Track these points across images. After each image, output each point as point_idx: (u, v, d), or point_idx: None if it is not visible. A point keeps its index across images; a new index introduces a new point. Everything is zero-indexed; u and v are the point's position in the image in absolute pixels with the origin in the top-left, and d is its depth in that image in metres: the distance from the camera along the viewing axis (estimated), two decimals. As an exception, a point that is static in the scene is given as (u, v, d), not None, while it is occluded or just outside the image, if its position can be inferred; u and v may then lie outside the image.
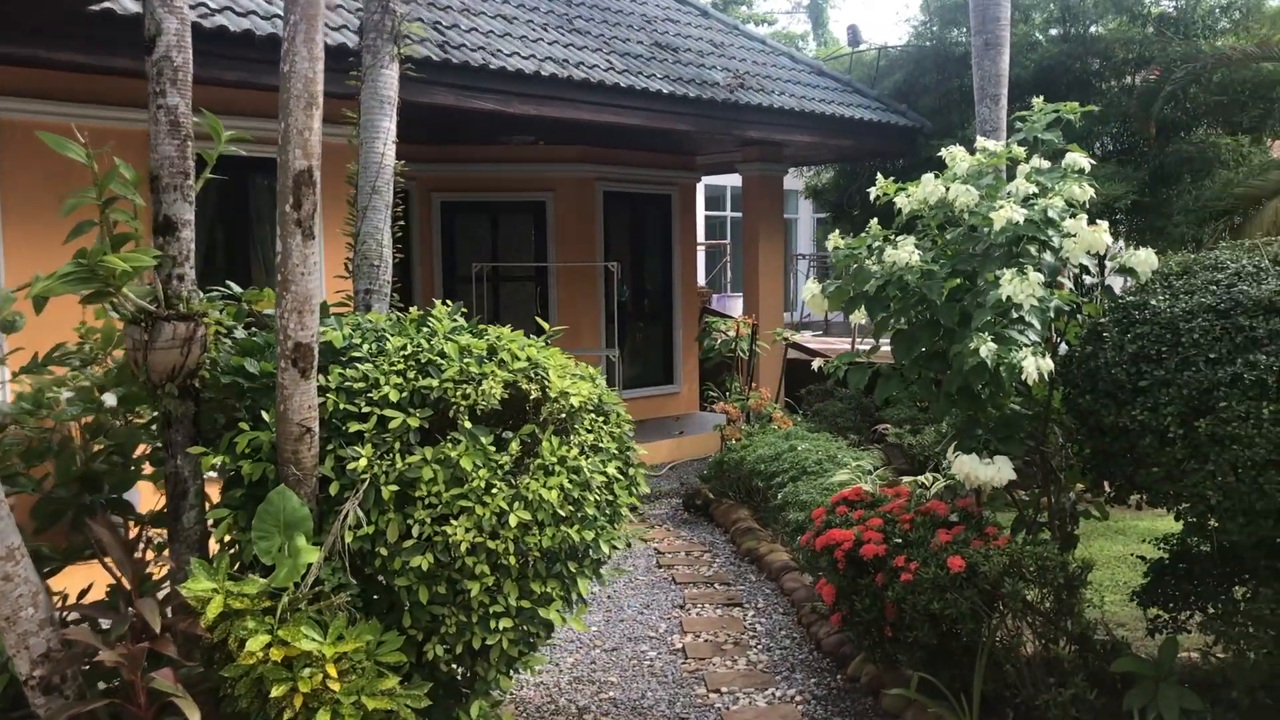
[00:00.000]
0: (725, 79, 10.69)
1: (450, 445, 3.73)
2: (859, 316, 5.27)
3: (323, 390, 3.82)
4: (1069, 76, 11.84)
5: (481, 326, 4.28)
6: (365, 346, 3.98)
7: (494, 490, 3.71)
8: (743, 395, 9.98)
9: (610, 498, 4.11)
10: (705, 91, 10.18)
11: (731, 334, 10.15)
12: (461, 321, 4.31)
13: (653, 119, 9.72)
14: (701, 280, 23.70)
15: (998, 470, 4.82)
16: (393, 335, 4.02)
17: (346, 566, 3.60)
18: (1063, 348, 5.29)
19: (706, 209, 26.07)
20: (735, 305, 20.22)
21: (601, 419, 4.19)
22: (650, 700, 5.52)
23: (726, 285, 26.33)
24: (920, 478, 6.41)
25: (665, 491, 10.40)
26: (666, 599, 7.19)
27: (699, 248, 24.53)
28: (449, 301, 4.46)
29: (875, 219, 5.28)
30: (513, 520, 3.67)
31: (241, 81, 7.02)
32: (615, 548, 4.21)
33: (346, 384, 3.83)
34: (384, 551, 3.65)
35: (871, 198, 5.47)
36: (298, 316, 3.51)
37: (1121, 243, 11.90)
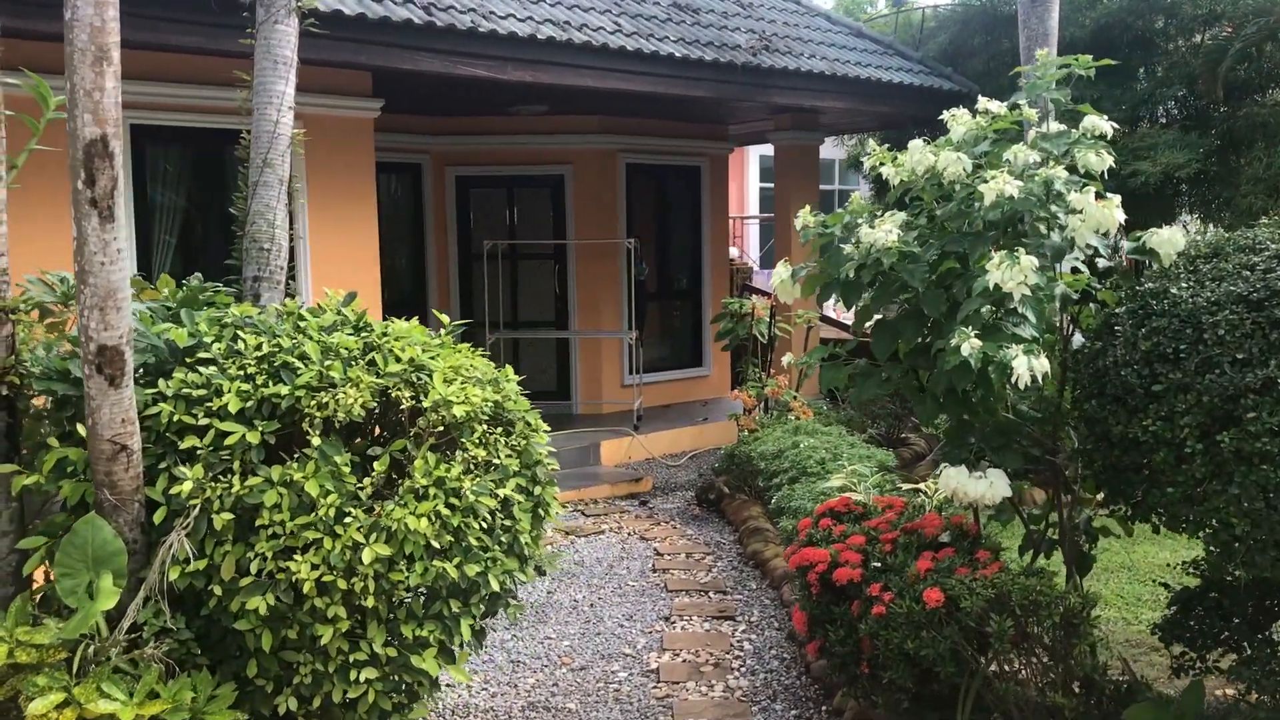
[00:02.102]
0: (748, 41, 9.93)
1: (297, 465, 3.15)
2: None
3: (159, 398, 3.27)
4: (1130, 35, 10.85)
5: (368, 320, 3.68)
6: (216, 346, 3.41)
7: (348, 519, 3.13)
8: (759, 382, 9.28)
9: (508, 523, 3.50)
10: (724, 55, 9.43)
11: (749, 315, 9.42)
12: (348, 315, 3.72)
13: (663, 85, 8.98)
14: (755, 256, 22.91)
15: (990, 485, 4.13)
16: (249, 333, 3.44)
17: (167, 609, 3.05)
18: (1078, 338, 4.57)
19: (761, 180, 25.20)
20: (784, 282, 19.26)
21: (500, 430, 3.57)
22: (606, 734, 4.94)
23: (781, 260, 25.40)
24: (924, 484, 5.71)
25: (681, 483, 9.77)
26: (653, 609, 6.57)
27: (753, 221, 23.74)
28: (332, 292, 3.87)
29: (856, 192, 4.61)
30: (367, 556, 3.08)
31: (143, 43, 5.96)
32: (520, 581, 3.61)
33: (185, 391, 3.26)
34: (218, 591, 3.10)
35: (865, 168, 4.79)
36: (99, 314, 2.95)
37: (1186, 216, 10.96)
